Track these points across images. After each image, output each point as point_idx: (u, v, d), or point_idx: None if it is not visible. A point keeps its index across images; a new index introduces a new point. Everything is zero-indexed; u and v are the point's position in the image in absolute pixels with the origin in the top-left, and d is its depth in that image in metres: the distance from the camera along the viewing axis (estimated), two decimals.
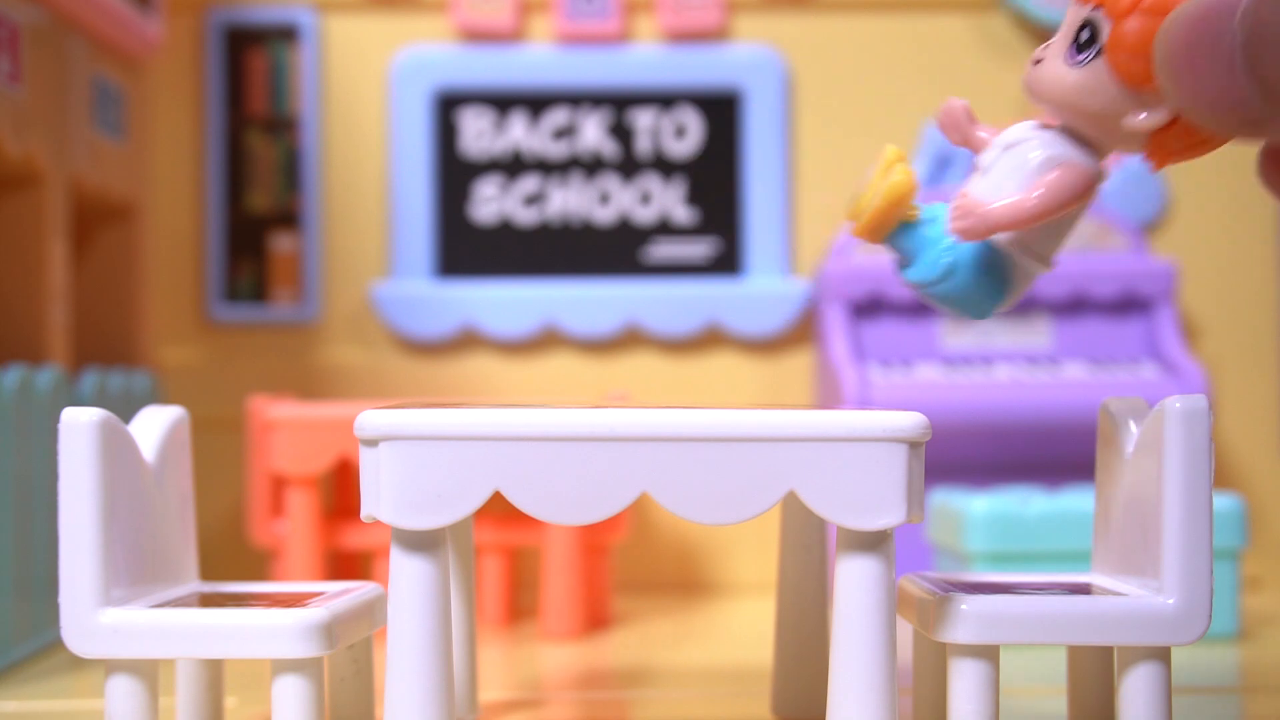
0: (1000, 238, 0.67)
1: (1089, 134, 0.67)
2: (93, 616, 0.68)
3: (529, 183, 1.44)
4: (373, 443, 0.66)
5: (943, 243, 0.67)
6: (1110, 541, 0.75)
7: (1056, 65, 0.66)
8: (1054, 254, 0.69)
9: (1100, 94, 0.65)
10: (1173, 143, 0.65)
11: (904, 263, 0.69)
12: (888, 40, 1.45)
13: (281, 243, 1.43)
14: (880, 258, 1.36)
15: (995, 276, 0.68)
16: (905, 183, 0.67)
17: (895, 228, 0.68)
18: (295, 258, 1.43)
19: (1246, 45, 0.57)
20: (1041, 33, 1.43)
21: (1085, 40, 0.65)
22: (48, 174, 1.13)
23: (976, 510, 1.09)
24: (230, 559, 1.37)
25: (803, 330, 1.43)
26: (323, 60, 1.44)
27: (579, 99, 1.44)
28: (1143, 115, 0.64)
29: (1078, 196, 0.66)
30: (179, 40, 1.43)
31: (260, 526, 1.19)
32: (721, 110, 1.44)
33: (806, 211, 1.45)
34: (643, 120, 1.44)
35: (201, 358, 1.43)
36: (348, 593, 0.74)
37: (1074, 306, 1.37)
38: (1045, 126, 0.68)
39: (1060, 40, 0.67)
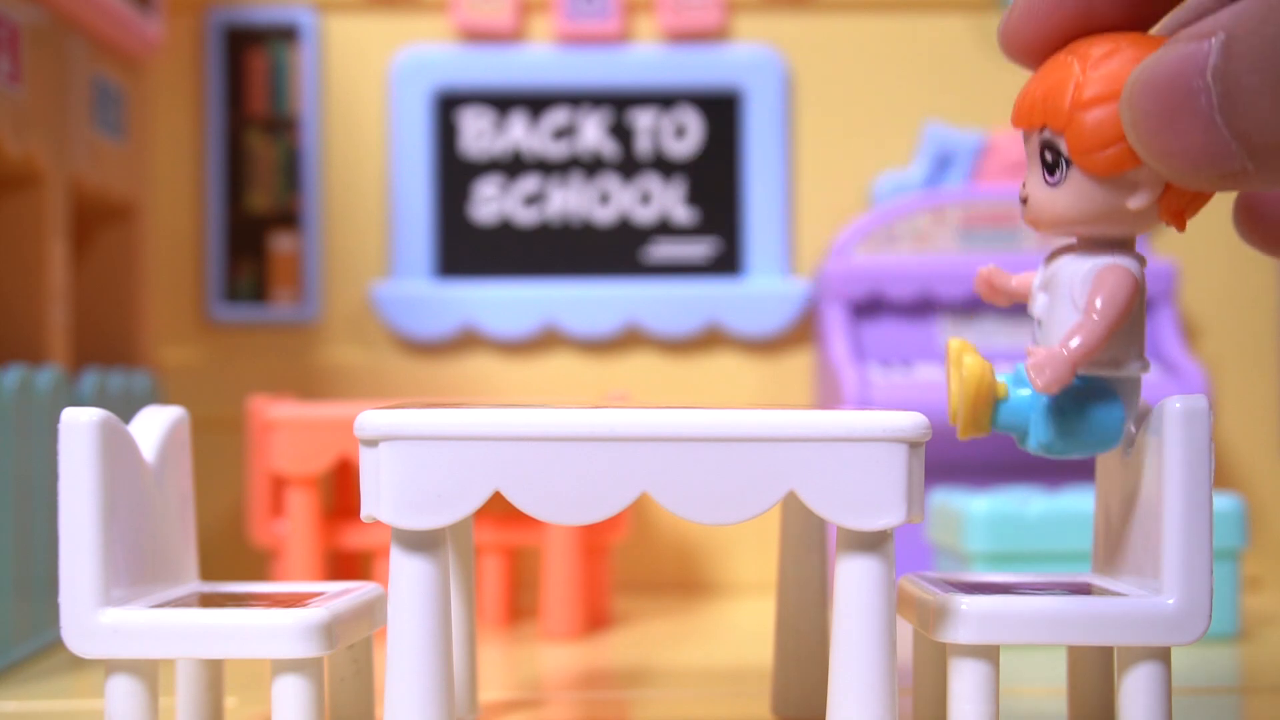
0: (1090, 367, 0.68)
1: (1106, 234, 0.68)
2: (93, 616, 0.68)
3: (529, 183, 1.44)
4: (373, 443, 0.66)
5: (1041, 399, 0.67)
6: (1110, 541, 0.75)
7: (1040, 193, 0.68)
8: (1141, 349, 0.69)
9: (1091, 198, 0.66)
10: (1178, 201, 0.66)
11: (1019, 437, 0.69)
12: (888, 40, 1.45)
13: (281, 243, 1.43)
14: (880, 257, 1.36)
15: (1106, 403, 0.68)
16: (977, 368, 0.67)
17: (993, 411, 0.68)
18: (295, 258, 1.43)
19: (1224, 102, 0.56)
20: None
21: (1051, 161, 0.67)
22: (48, 174, 1.13)
23: (976, 510, 1.09)
24: (230, 559, 1.37)
25: (803, 330, 1.43)
26: (323, 60, 1.44)
27: (579, 99, 1.44)
28: (1136, 196, 0.65)
29: (1132, 295, 0.67)
30: (179, 40, 1.43)
31: (260, 526, 1.19)
32: (721, 110, 1.44)
33: (806, 211, 1.45)
34: (643, 120, 1.44)
35: (201, 358, 1.43)
36: (348, 593, 0.74)
37: None
38: (1062, 250, 0.69)
39: (1032, 172, 0.68)
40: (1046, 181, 0.67)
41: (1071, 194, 0.66)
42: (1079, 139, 0.65)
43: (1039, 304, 0.70)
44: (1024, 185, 0.69)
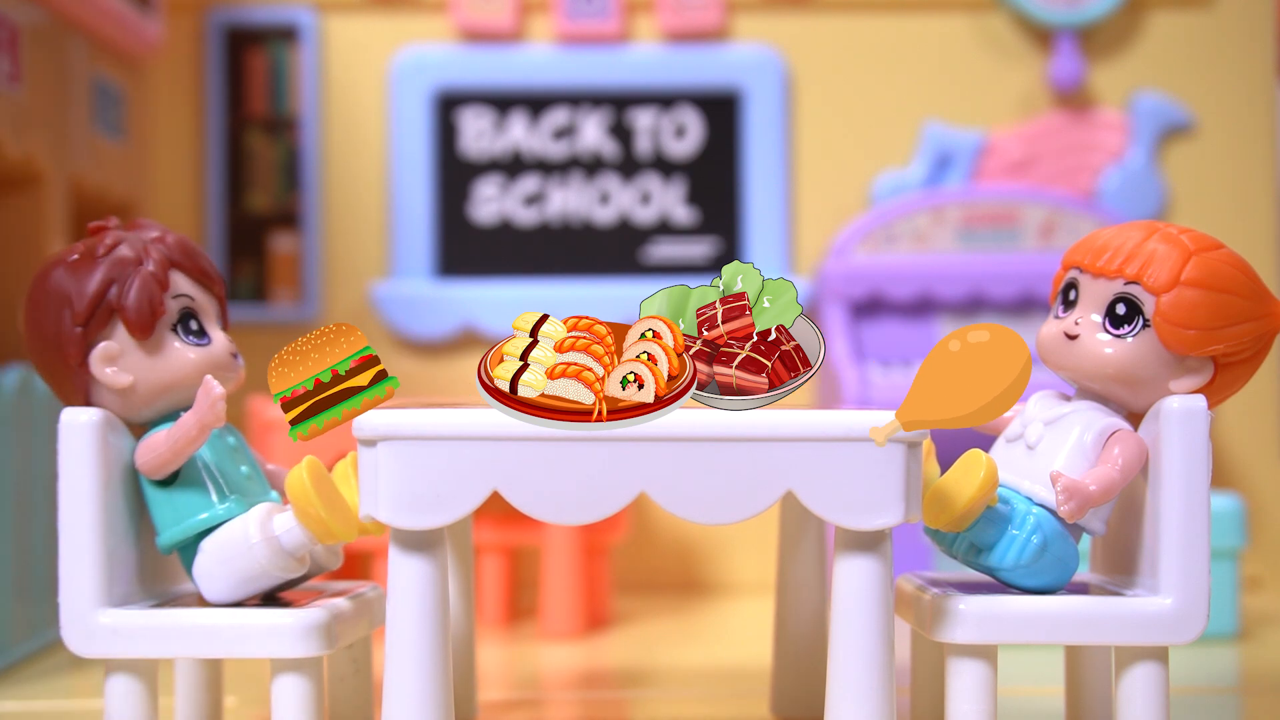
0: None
1: (1121, 397, 0.71)
2: (93, 616, 0.68)
3: (529, 183, 1.44)
4: (371, 443, 0.67)
5: (1028, 522, 0.69)
6: (1109, 541, 0.75)
7: (1097, 339, 0.70)
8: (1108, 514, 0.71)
9: (1147, 363, 0.69)
10: (1218, 395, 0.70)
11: (980, 548, 0.69)
12: (888, 40, 1.45)
13: (281, 243, 1.43)
14: (880, 257, 1.36)
15: (1073, 542, 0.70)
16: (995, 471, 0.68)
17: (980, 513, 0.69)
18: (295, 258, 1.43)
19: None
20: (1041, 32, 1.43)
21: (1124, 315, 0.69)
22: (48, 174, 1.13)
23: None
24: None
25: None
26: (323, 60, 1.44)
27: (579, 99, 1.44)
28: (1184, 380, 0.69)
29: (1143, 460, 0.70)
30: (179, 40, 1.43)
31: None
32: (721, 110, 1.44)
33: (806, 211, 1.45)
34: (643, 120, 1.44)
35: None
36: (347, 592, 0.74)
37: None
38: (1064, 398, 0.72)
39: (1088, 313, 0.70)
40: (1110, 331, 0.70)
41: (1133, 352, 0.69)
42: (1175, 308, 0.68)
43: (1034, 432, 0.71)
44: (1071, 322, 0.71)
